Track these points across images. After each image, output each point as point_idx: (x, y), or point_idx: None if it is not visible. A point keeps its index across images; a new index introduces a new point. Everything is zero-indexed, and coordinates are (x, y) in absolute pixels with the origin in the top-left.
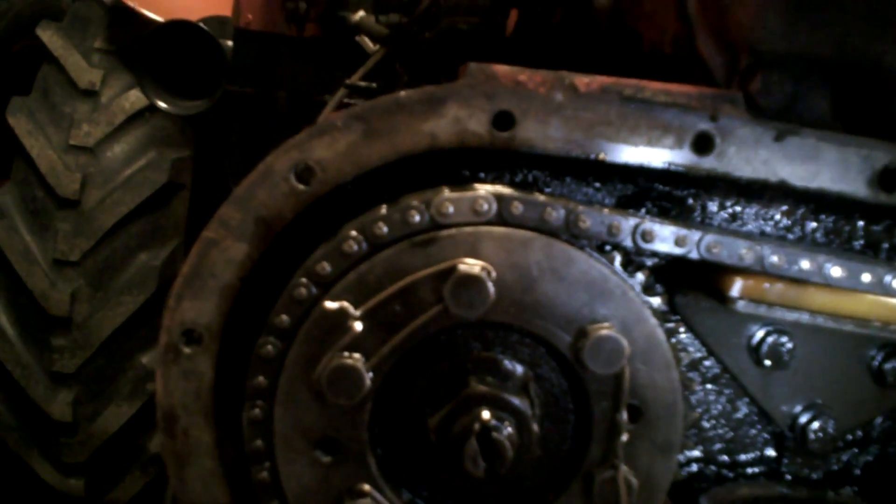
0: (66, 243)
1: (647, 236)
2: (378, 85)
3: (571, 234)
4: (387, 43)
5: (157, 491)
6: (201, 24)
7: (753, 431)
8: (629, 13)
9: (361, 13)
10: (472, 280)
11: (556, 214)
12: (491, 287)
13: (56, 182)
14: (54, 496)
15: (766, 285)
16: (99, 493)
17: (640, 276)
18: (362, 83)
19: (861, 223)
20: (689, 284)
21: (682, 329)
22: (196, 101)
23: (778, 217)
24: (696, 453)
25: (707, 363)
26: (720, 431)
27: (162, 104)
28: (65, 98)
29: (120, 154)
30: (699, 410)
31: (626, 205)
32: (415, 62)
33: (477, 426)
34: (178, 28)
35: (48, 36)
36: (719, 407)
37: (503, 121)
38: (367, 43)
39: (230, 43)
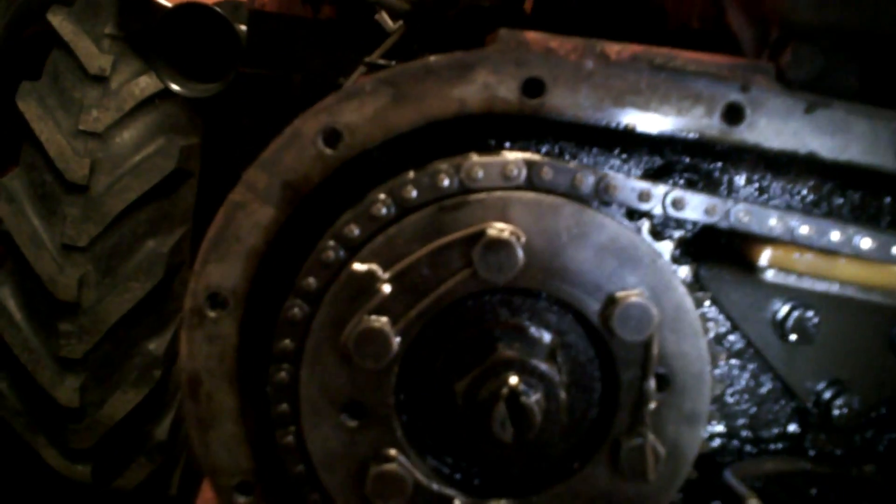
0: (74, 228)
1: (678, 204)
2: (397, 64)
3: (601, 200)
4: (409, 20)
5: (163, 478)
6: (215, 7)
7: (777, 407)
8: None
9: None
10: (501, 244)
11: (586, 180)
12: (520, 251)
13: (65, 167)
14: (60, 482)
15: (796, 255)
16: (105, 479)
17: (669, 245)
18: (382, 61)
19: (888, 199)
20: (716, 256)
21: (706, 303)
22: (209, 83)
23: (805, 192)
24: (721, 428)
25: (731, 337)
26: (744, 406)
27: (175, 87)
28: (75, 83)
29: (129, 140)
30: (724, 385)
31: (654, 175)
32: (435, 40)
33: (505, 391)
34: (192, 10)
35: (59, 21)
36: (743, 382)
37: (533, 87)
38: (387, 21)
39: (243, 27)
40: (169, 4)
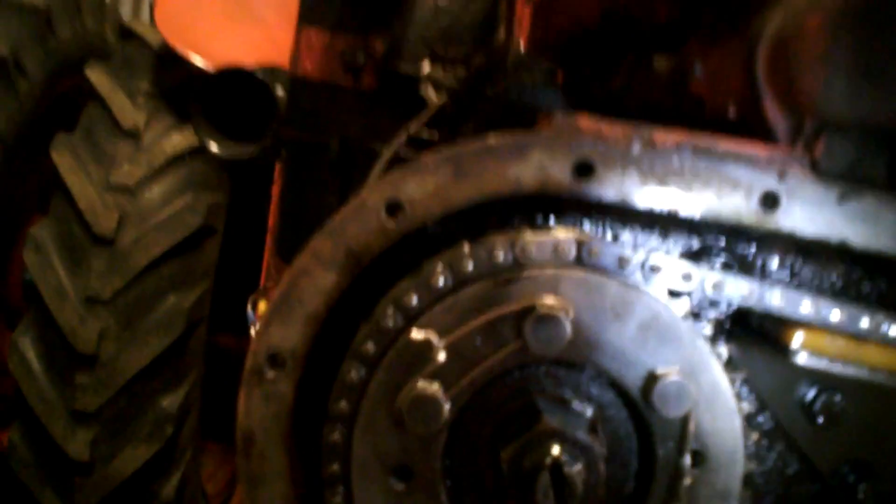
0: (98, 281)
1: (718, 287)
2: (439, 136)
3: (645, 279)
4: (453, 94)
5: None
6: (255, 72)
7: (803, 488)
8: (691, 78)
9: (429, 64)
10: (551, 319)
11: (632, 260)
12: (568, 326)
13: (93, 219)
14: None
15: (827, 339)
16: None
17: (707, 326)
18: (424, 133)
19: None
20: (748, 338)
21: (737, 383)
22: (246, 145)
23: (834, 278)
24: None
25: (760, 418)
26: (771, 486)
27: (214, 147)
28: (108, 137)
29: (158, 195)
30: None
31: (691, 257)
32: (481, 116)
33: (549, 460)
34: (234, 76)
35: (96, 76)
36: (771, 462)
37: (583, 169)
38: (432, 94)
39: (279, 91)
40: (204, 64)
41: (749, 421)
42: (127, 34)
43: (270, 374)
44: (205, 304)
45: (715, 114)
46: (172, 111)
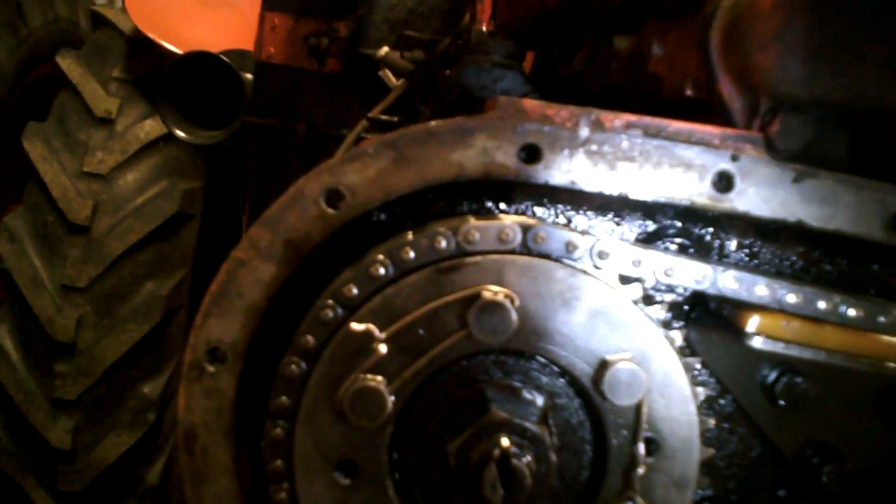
0: (74, 269)
1: (669, 271)
2: (399, 119)
3: (595, 265)
4: (410, 79)
5: None
6: (222, 56)
7: (766, 471)
8: (649, 57)
9: (386, 49)
10: (495, 307)
11: (580, 245)
12: (514, 314)
13: (67, 208)
14: None
15: (783, 322)
16: None
17: (660, 310)
18: (384, 117)
19: (876, 266)
20: (706, 321)
21: (697, 366)
22: (214, 131)
23: (794, 258)
24: (710, 492)
25: (722, 401)
26: (734, 470)
27: (180, 133)
28: (80, 125)
29: (132, 182)
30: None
31: (646, 240)
32: (437, 98)
33: (497, 452)
34: (201, 59)
35: (67, 63)
36: (733, 446)
37: (530, 153)
38: (390, 78)
39: (249, 76)
40: (176, 50)
41: (710, 405)
42: (98, 21)
43: (210, 368)
44: (184, 290)
45: (673, 93)
46: (145, 98)
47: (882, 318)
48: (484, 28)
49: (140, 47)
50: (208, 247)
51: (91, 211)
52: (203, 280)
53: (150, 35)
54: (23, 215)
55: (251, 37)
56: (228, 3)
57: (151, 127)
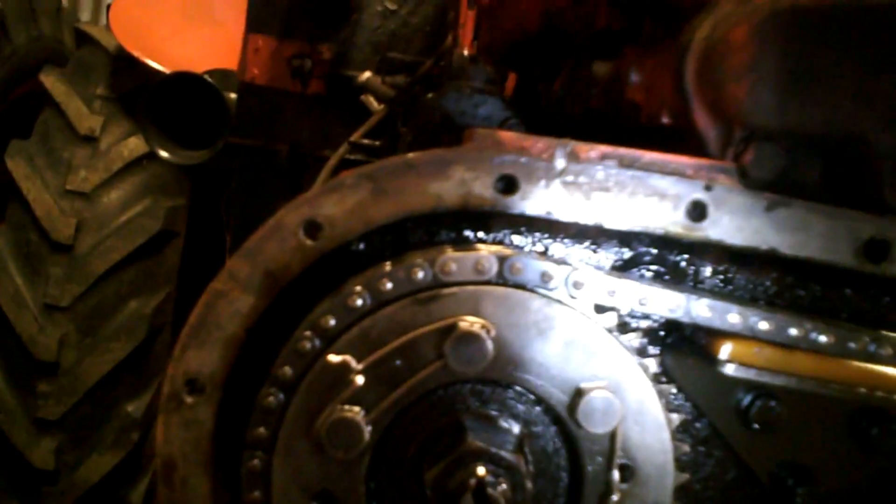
0: (57, 288)
1: (643, 300)
2: (381, 143)
3: (570, 294)
4: (391, 103)
5: None
6: (206, 77)
7: (742, 493)
8: (627, 84)
9: (368, 74)
10: (471, 337)
11: (556, 275)
12: (490, 344)
13: (51, 226)
14: None
15: (755, 349)
16: None
17: (636, 337)
18: (366, 141)
19: (848, 291)
20: (681, 346)
21: (673, 391)
22: (197, 151)
23: (768, 284)
24: None
25: (698, 425)
26: (710, 493)
27: (163, 153)
28: (64, 143)
29: (116, 200)
30: (689, 472)
31: (622, 268)
32: (418, 123)
33: (472, 482)
34: (184, 79)
35: (51, 81)
36: (708, 469)
37: (506, 184)
38: (372, 102)
39: (233, 96)
40: (160, 68)
41: (686, 429)
42: (83, 38)
43: (189, 399)
44: (168, 308)
45: (650, 121)
46: (129, 116)
47: (852, 344)
48: (465, 52)
49: (124, 65)
50: (193, 264)
51: (74, 229)
52: (188, 298)
53: (135, 53)
54: (5, 234)
55: (236, 55)
56: (213, 21)
57: (135, 145)
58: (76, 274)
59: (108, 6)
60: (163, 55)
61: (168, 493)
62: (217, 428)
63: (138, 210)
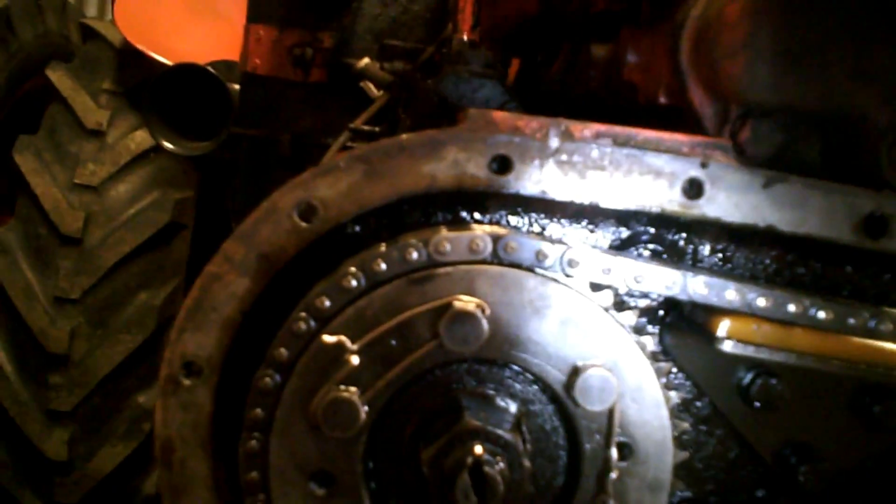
0: (67, 281)
1: (639, 278)
2: (381, 129)
3: (565, 273)
4: (390, 89)
5: None
6: (209, 68)
7: (745, 472)
8: (625, 64)
9: (366, 60)
10: (466, 316)
11: (551, 254)
12: (485, 324)
13: (59, 220)
14: None
15: (754, 326)
16: None
17: (633, 315)
18: (366, 127)
19: (849, 268)
20: (681, 324)
21: (673, 369)
22: (201, 142)
23: (767, 261)
24: (689, 494)
25: (698, 404)
26: (712, 472)
27: (168, 145)
28: (71, 137)
29: (124, 193)
30: (691, 450)
31: (620, 247)
32: (417, 108)
33: (469, 460)
34: (187, 71)
35: (57, 76)
36: (711, 448)
37: (500, 164)
38: (371, 88)
39: (237, 87)
40: (165, 61)
41: (687, 407)
42: (88, 33)
43: (187, 382)
44: (178, 299)
45: (648, 100)
46: (136, 109)
47: (851, 320)
48: (465, 37)
49: (130, 59)
50: (202, 256)
51: (83, 223)
52: None
53: (140, 47)
54: (15, 228)
55: (240, 47)
56: (218, 14)
57: (142, 138)
58: (86, 266)
59: (114, 1)
60: (167, 48)
61: (167, 475)
62: (215, 410)
63: (146, 203)
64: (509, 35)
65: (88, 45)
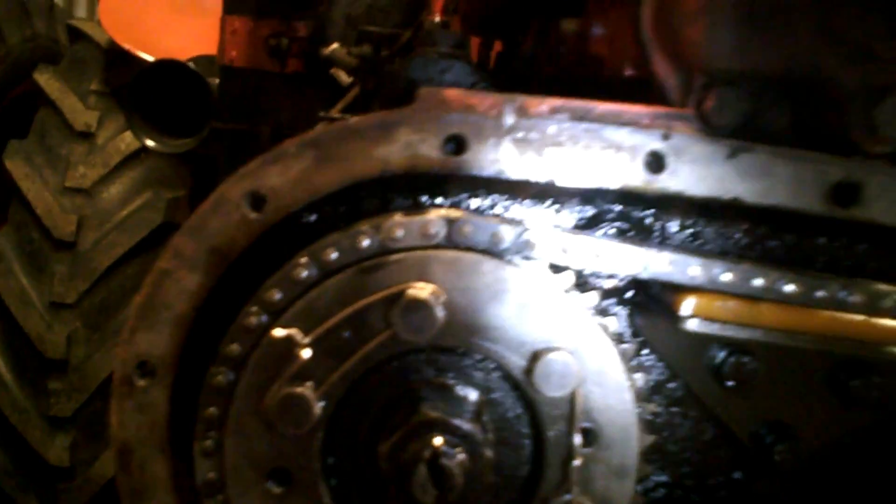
0: (62, 285)
1: (599, 257)
2: (353, 117)
3: (523, 255)
4: (356, 74)
5: None
6: (188, 63)
7: (721, 454)
8: (592, 37)
9: (334, 46)
10: (419, 304)
11: (507, 236)
12: (439, 311)
13: (52, 224)
14: None
15: (718, 303)
16: None
17: (595, 297)
18: (338, 115)
19: (822, 240)
20: (649, 305)
21: (644, 351)
22: (184, 139)
23: (738, 236)
24: (664, 478)
25: (671, 385)
26: (687, 455)
27: (150, 143)
28: (61, 140)
29: (116, 195)
30: (664, 434)
31: (585, 226)
32: (386, 93)
33: (427, 453)
34: (165, 67)
35: (45, 79)
36: (685, 430)
37: (455, 145)
38: (342, 75)
39: (214, 81)
40: (152, 59)
41: (659, 389)
42: (75, 35)
43: (141, 382)
44: None
45: (614, 74)
46: (123, 109)
47: (821, 293)
48: (437, 19)
49: (117, 58)
50: None
51: (76, 226)
52: None
53: (126, 46)
54: (8, 234)
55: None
56: (203, 11)
57: (132, 138)
58: (80, 270)
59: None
60: (154, 46)
61: (126, 479)
62: (172, 410)
63: (139, 203)
64: (488, 17)
65: (76, 47)
